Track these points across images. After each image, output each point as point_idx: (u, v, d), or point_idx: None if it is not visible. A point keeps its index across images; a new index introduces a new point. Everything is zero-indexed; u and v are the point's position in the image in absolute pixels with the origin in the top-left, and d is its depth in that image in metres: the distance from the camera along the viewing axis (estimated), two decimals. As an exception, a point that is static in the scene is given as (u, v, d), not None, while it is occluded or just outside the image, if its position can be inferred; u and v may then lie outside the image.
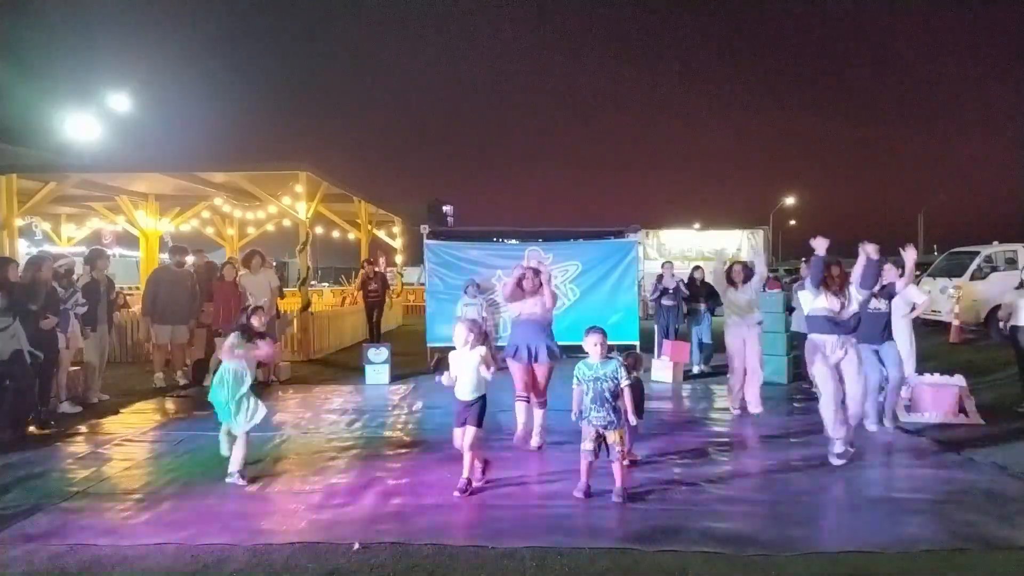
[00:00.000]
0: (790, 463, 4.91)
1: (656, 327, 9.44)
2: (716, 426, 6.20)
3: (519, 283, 5.28)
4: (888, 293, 5.85)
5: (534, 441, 5.26)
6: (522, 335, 5.22)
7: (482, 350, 4.32)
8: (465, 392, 4.31)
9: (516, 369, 5.24)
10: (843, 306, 4.92)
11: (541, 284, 5.27)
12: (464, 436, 4.28)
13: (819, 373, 4.95)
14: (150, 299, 8.21)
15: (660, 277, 9.59)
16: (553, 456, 5.08)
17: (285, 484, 4.52)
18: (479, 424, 4.32)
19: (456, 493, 4.22)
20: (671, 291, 9.30)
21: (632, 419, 4.33)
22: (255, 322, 4.61)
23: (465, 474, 4.31)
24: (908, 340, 6.69)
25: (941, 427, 5.90)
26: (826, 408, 4.89)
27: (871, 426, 5.75)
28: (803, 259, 17.30)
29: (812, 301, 5.02)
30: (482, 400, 4.34)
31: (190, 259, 9.12)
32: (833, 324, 4.91)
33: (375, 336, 11.64)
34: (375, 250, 16.28)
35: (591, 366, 4.24)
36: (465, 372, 4.30)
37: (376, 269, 12.24)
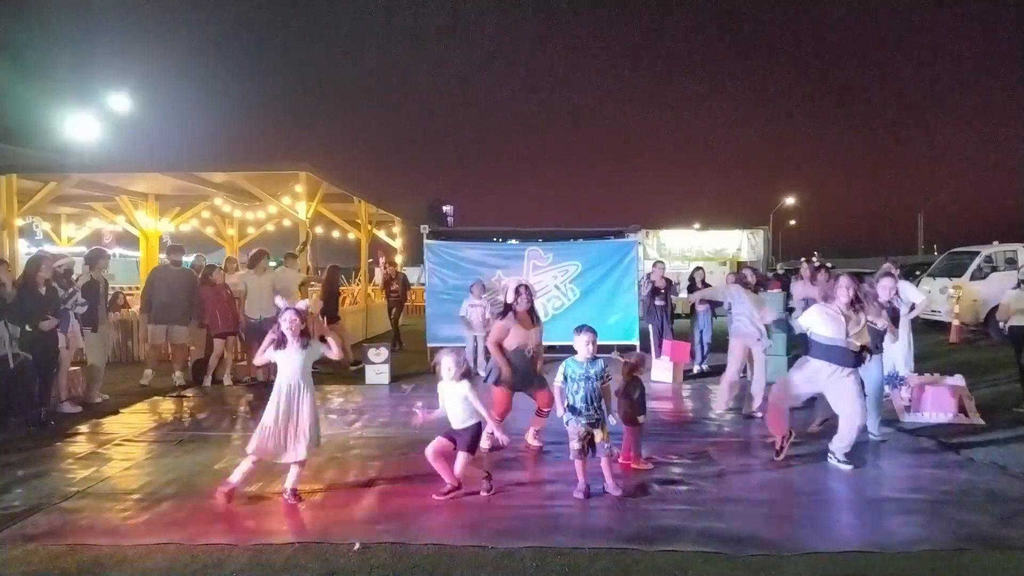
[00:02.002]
0: (790, 463, 4.90)
1: (651, 328, 9.44)
2: (716, 426, 6.20)
3: (510, 309, 5.14)
4: (891, 309, 5.58)
5: (536, 441, 5.28)
6: (513, 366, 5.07)
7: (467, 385, 4.18)
8: (457, 421, 4.22)
9: (498, 393, 5.08)
10: (853, 332, 4.65)
11: (532, 306, 5.21)
12: (457, 461, 4.19)
13: (798, 379, 4.83)
14: (147, 298, 8.24)
15: (649, 276, 9.59)
16: (552, 457, 5.08)
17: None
18: (471, 451, 4.21)
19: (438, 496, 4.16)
20: (663, 291, 9.31)
21: (612, 419, 4.34)
22: (284, 326, 4.15)
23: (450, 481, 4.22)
24: (906, 340, 6.70)
25: (941, 427, 5.90)
26: (776, 401, 4.88)
27: (874, 433, 5.66)
28: (802, 259, 17.28)
29: (821, 326, 4.70)
30: (476, 426, 4.22)
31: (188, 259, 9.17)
32: (843, 353, 4.64)
33: (396, 335, 11.64)
34: (375, 250, 16.27)
35: (581, 364, 4.23)
36: (454, 403, 4.21)
37: (398, 270, 12.40)
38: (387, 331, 11.80)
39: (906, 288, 6.86)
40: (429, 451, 4.22)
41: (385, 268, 12.82)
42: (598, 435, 4.18)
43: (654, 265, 9.92)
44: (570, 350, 4.38)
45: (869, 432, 5.57)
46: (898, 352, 6.59)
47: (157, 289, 8.19)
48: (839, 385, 4.70)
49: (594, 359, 4.25)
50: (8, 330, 5.88)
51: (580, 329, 4.29)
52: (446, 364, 4.23)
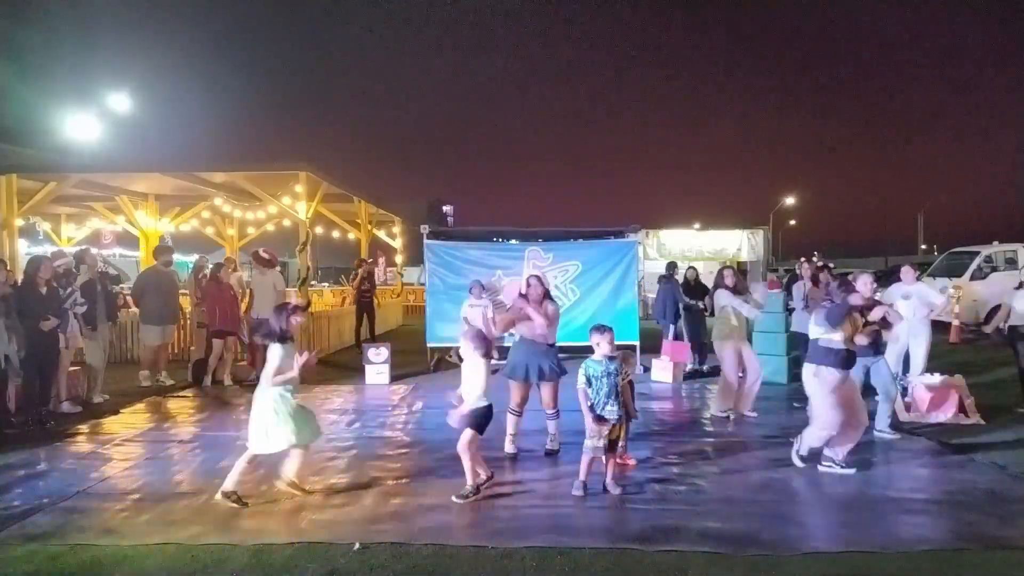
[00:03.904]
0: (789, 463, 4.90)
1: (685, 330, 9.31)
2: (715, 426, 6.19)
3: (522, 295, 5.20)
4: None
5: (552, 445, 5.22)
6: (524, 355, 5.15)
7: (487, 360, 4.29)
8: (474, 396, 4.25)
9: (513, 386, 5.20)
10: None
11: (545, 295, 5.19)
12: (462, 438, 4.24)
13: (825, 402, 4.66)
14: (137, 301, 8.43)
15: (685, 275, 9.58)
16: (552, 457, 5.09)
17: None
18: (481, 431, 4.24)
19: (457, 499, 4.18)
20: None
21: (635, 414, 4.47)
22: (295, 322, 4.22)
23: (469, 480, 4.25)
24: (926, 341, 6.75)
25: (941, 427, 5.90)
26: (819, 433, 4.69)
27: (884, 433, 5.62)
28: (802, 259, 17.29)
29: (826, 331, 4.68)
30: (488, 408, 4.25)
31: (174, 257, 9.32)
32: (850, 357, 4.68)
33: (372, 337, 11.65)
34: (375, 250, 16.26)
35: (600, 363, 4.25)
36: (474, 378, 4.25)
37: (370, 270, 12.22)
38: (389, 330, 11.80)
39: (924, 290, 6.89)
40: (463, 447, 4.21)
41: (360, 266, 12.52)
42: (615, 431, 4.22)
43: (673, 267, 9.79)
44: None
45: (877, 430, 5.55)
46: (918, 352, 6.65)
47: (151, 291, 8.28)
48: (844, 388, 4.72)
49: (612, 357, 4.27)
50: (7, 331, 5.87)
51: (599, 328, 4.33)
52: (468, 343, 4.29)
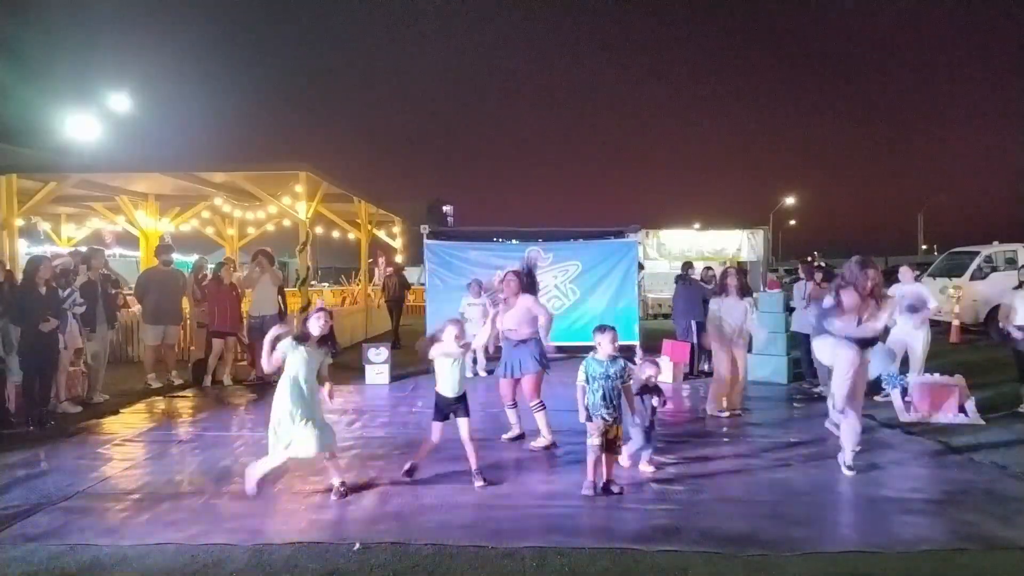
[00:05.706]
0: (790, 463, 4.91)
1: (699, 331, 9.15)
2: (715, 426, 6.19)
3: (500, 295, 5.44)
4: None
5: (542, 441, 5.28)
6: (506, 354, 5.43)
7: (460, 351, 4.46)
8: (453, 389, 4.44)
9: (501, 384, 5.51)
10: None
11: (519, 292, 5.32)
12: (460, 429, 4.46)
13: (845, 375, 4.59)
14: (139, 300, 8.46)
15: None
16: (552, 456, 5.09)
17: (285, 484, 4.51)
18: (468, 414, 4.50)
19: (479, 484, 4.36)
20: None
21: (632, 415, 4.47)
22: (312, 328, 4.21)
23: (473, 465, 4.44)
24: (924, 341, 6.76)
25: (941, 427, 5.90)
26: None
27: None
28: (800, 261, 17.25)
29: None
30: (464, 396, 4.49)
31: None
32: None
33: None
34: (375, 250, 16.27)
35: (601, 363, 4.24)
36: (452, 370, 4.43)
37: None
38: (388, 330, 11.90)
39: (921, 290, 6.92)
40: (436, 430, 4.48)
41: (399, 271, 13.22)
42: (612, 432, 4.22)
43: (689, 266, 9.59)
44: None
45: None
46: (916, 352, 6.68)
47: (151, 290, 8.30)
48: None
49: (614, 358, 4.26)
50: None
51: (601, 328, 4.32)
52: (451, 332, 4.36)
